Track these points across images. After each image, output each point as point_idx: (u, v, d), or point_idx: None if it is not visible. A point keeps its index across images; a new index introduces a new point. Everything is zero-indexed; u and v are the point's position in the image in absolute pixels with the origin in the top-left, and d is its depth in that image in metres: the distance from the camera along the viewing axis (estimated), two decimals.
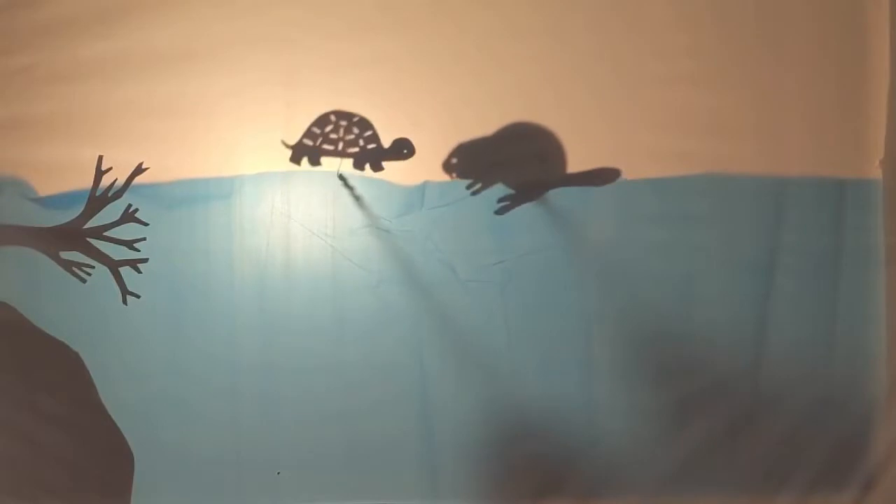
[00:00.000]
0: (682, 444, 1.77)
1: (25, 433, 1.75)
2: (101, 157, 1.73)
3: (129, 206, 1.74)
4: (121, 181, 1.74)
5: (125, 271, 1.75)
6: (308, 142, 1.76)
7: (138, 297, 1.75)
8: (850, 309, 1.78)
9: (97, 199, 1.74)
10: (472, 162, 1.77)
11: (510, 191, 1.78)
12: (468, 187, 1.78)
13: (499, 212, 1.78)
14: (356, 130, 1.76)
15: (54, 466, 1.76)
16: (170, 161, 1.76)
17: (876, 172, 1.78)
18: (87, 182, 1.74)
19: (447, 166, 1.77)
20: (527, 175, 1.79)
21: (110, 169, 1.74)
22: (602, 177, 1.76)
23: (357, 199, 1.77)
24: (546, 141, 1.76)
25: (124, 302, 1.75)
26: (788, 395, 1.77)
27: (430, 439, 1.78)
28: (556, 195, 1.78)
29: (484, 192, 1.78)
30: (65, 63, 1.77)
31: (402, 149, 1.76)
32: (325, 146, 1.77)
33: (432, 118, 1.77)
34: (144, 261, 1.75)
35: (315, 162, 1.77)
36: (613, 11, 1.77)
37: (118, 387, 1.77)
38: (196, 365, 1.77)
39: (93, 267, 1.75)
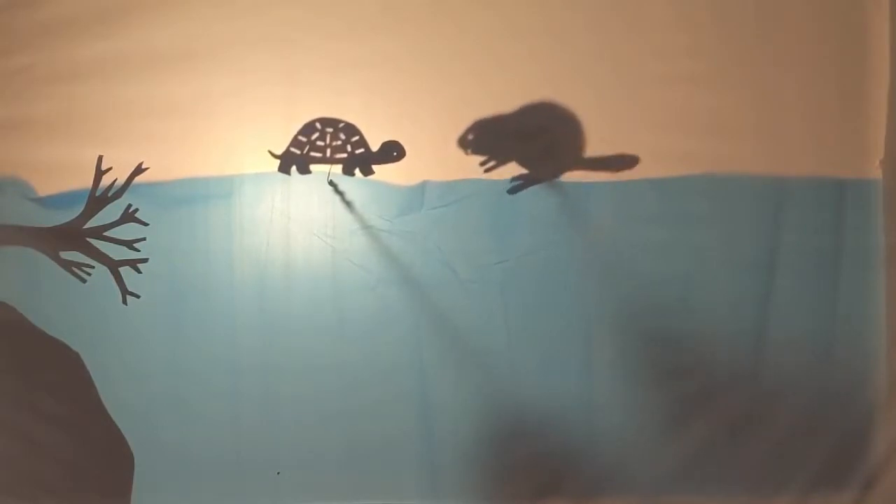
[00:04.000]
0: (681, 444, 1.77)
1: (25, 433, 1.75)
2: (101, 157, 1.73)
3: (129, 206, 1.74)
4: (121, 181, 1.74)
5: (125, 271, 1.75)
6: (295, 150, 1.76)
7: (138, 297, 1.75)
8: (850, 309, 1.78)
9: (97, 199, 1.74)
10: (488, 139, 1.76)
11: (524, 170, 1.77)
12: (482, 164, 1.77)
13: (511, 191, 1.77)
14: (343, 136, 1.76)
15: (54, 466, 1.76)
16: (170, 161, 1.76)
17: (876, 172, 1.79)
18: (87, 182, 1.74)
19: (463, 142, 1.76)
20: (539, 159, 1.78)
21: (110, 169, 1.74)
22: (621, 162, 1.75)
23: (348, 204, 1.77)
24: (564, 127, 1.75)
25: (124, 302, 1.75)
26: (788, 394, 1.77)
27: (430, 439, 1.78)
28: (563, 187, 1.77)
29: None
30: (65, 63, 1.77)
31: (392, 151, 1.76)
32: (313, 154, 1.76)
33: (432, 118, 1.77)
34: (144, 261, 1.74)
35: (304, 170, 1.77)
36: (614, 11, 1.77)
37: (118, 387, 1.77)
38: (196, 365, 1.77)
39: (93, 267, 1.75)
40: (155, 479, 1.77)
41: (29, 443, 1.75)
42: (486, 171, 1.77)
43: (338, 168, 1.78)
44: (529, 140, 1.77)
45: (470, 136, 1.75)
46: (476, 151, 1.76)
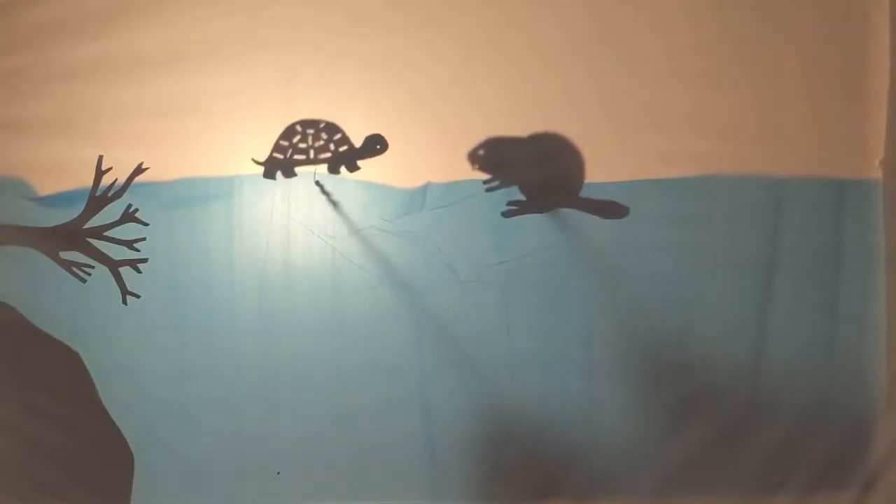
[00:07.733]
0: (682, 445, 1.77)
1: (25, 433, 1.75)
2: (101, 157, 1.73)
3: (129, 206, 1.74)
4: (121, 181, 1.74)
5: (125, 271, 1.75)
6: (278, 155, 1.76)
7: (138, 297, 1.75)
8: (850, 309, 1.78)
9: (97, 199, 1.74)
10: (497, 159, 1.77)
11: (522, 197, 1.78)
12: (485, 182, 1.77)
13: (505, 214, 1.77)
14: (325, 136, 1.76)
15: (54, 466, 1.76)
16: (170, 161, 1.76)
17: (876, 172, 1.78)
18: (87, 182, 1.74)
19: (472, 156, 1.76)
20: (542, 191, 1.78)
21: (110, 169, 1.74)
22: (611, 210, 1.76)
23: (334, 204, 1.77)
24: (572, 162, 1.76)
25: (124, 302, 1.75)
26: (788, 395, 1.77)
27: (430, 439, 1.78)
28: (558, 214, 1.78)
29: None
30: (64, 63, 1.77)
31: (375, 144, 1.76)
32: (297, 156, 1.76)
33: (434, 118, 1.77)
34: (144, 261, 1.74)
35: (289, 174, 1.77)
36: (619, 11, 1.77)
37: (118, 387, 1.77)
38: (196, 365, 1.77)
39: (93, 267, 1.75)
40: (155, 479, 1.77)
41: (29, 443, 1.75)
42: (488, 189, 1.77)
43: (323, 168, 1.78)
44: (536, 170, 1.77)
45: (480, 152, 1.76)
46: (483, 168, 1.77)
